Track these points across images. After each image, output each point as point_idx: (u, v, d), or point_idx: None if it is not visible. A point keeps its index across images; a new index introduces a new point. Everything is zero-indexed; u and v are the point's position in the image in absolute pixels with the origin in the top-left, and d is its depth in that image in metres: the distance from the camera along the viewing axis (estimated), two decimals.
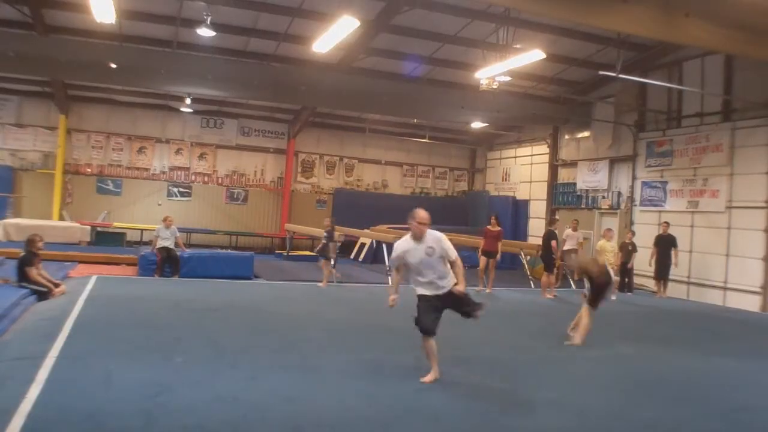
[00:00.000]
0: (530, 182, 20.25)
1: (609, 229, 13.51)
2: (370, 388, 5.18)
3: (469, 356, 6.28)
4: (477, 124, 19.03)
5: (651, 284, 14.33)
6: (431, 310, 5.30)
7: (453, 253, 5.41)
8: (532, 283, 14.19)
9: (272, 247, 20.46)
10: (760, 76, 12.45)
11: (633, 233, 14.11)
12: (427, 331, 5.27)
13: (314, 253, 12.21)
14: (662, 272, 13.68)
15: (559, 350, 7.24)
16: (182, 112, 19.52)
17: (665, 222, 13.95)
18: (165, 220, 12.15)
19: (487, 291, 12.29)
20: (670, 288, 13.90)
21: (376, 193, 22.49)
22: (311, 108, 19.33)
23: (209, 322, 7.75)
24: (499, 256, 12.61)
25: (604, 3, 8.69)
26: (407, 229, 5.53)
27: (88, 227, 17.07)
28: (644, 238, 14.20)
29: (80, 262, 12.91)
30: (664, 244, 13.57)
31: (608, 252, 12.58)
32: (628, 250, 13.77)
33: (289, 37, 14.57)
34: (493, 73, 12.76)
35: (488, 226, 12.73)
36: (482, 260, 12.64)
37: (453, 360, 6.12)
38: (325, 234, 12.11)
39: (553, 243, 12.54)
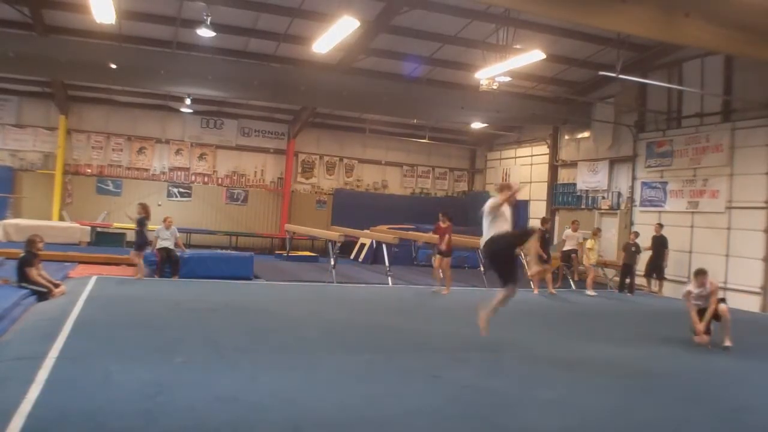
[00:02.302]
0: (530, 183, 20.23)
1: (598, 229, 14.29)
2: (370, 388, 5.18)
3: (469, 356, 6.27)
4: (477, 125, 19.05)
5: (651, 284, 14.39)
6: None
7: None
8: (531, 283, 14.16)
9: (272, 248, 20.43)
10: (760, 76, 12.46)
11: (637, 234, 14.13)
12: None
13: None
14: (657, 272, 13.89)
15: (559, 350, 7.25)
16: (182, 112, 19.53)
17: (658, 224, 14.17)
18: (165, 220, 12.15)
19: (444, 293, 11.49)
20: (671, 288, 13.91)
21: (376, 193, 22.48)
22: (311, 108, 19.33)
23: (209, 322, 7.73)
24: (445, 248, 11.49)
25: (603, 3, 8.69)
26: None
27: (88, 228, 17.06)
28: (644, 238, 14.17)
29: (80, 262, 12.89)
30: (657, 245, 13.78)
31: (594, 250, 12.84)
32: (631, 251, 13.78)
33: (289, 37, 14.58)
34: (493, 73, 12.76)
35: (438, 222, 11.81)
36: (436, 260, 11.90)
37: (452, 360, 6.12)
38: (137, 222, 11.48)
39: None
